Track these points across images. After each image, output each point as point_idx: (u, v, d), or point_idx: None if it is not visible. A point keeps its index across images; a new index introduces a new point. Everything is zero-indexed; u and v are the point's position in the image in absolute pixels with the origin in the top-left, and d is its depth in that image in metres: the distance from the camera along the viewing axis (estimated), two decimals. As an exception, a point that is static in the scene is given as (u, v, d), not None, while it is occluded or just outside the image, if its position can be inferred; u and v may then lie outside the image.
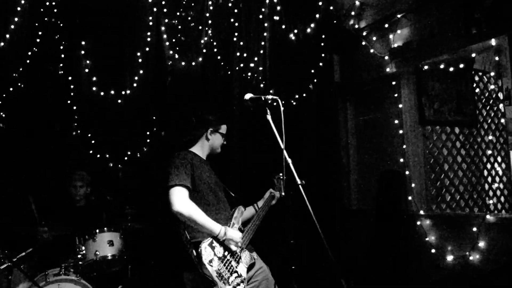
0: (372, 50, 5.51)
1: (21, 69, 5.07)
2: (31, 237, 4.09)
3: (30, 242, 4.03)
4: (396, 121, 5.28)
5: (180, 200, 3.01)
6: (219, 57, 5.83)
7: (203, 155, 3.45)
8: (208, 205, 3.18)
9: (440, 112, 5.41)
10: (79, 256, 3.97)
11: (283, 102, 5.63)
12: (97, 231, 4.09)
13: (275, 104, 2.85)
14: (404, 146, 5.18)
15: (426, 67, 5.16)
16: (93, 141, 5.23)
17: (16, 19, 4.94)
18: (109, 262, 4.10)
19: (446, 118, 5.46)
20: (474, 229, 4.41)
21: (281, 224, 2.74)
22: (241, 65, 5.89)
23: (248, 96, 2.89)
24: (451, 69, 5.28)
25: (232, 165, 5.61)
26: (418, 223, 4.90)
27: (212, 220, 3.05)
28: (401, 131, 5.21)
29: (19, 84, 5.05)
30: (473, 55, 4.98)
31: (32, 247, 3.93)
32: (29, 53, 5.09)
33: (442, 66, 5.24)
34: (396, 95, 5.31)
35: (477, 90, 5.74)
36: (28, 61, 5.10)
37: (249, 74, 5.92)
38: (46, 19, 5.18)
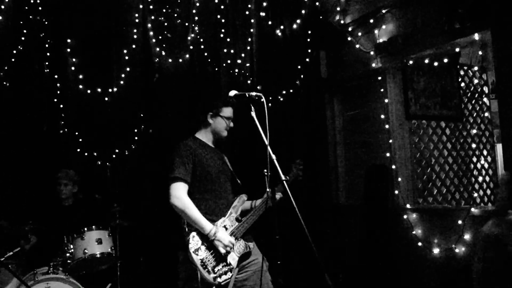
0: (357, 46, 5.55)
1: (6, 67, 5.03)
2: (18, 235, 4.09)
3: (18, 241, 4.03)
4: (383, 116, 5.32)
5: (176, 194, 3.12)
6: (206, 54, 5.83)
7: (208, 140, 3.46)
8: (206, 192, 3.25)
9: (426, 106, 5.45)
10: (67, 254, 3.98)
11: (270, 98, 5.75)
12: (85, 229, 4.09)
13: (260, 100, 2.86)
14: (391, 141, 5.22)
15: (411, 62, 5.20)
16: (80, 139, 5.21)
17: (0, 17, 4.90)
18: (98, 260, 4.11)
19: (432, 113, 5.49)
20: (460, 222, 4.47)
21: (267, 219, 2.77)
22: (228, 61, 5.90)
23: (232, 93, 2.91)
24: (436, 63, 5.32)
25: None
26: (405, 216, 4.96)
27: (204, 219, 3.09)
28: (387, 126, 5.25)
29: (4, 82, 5.02)
30: (457, 49, 5.03)
31: (20, 246, 3.92)
32: (14, 52, 5.05)
33: (427, 61, 5.28)
34: (382, 90, 5.35)
35: (463, 84, 5.79)
36: (13, 60, 5.06)
37: (236, 70, 5.93)
38: (31, 17, 5.15)
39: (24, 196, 4.61)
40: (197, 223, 3.07)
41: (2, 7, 4.96)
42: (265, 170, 2.63)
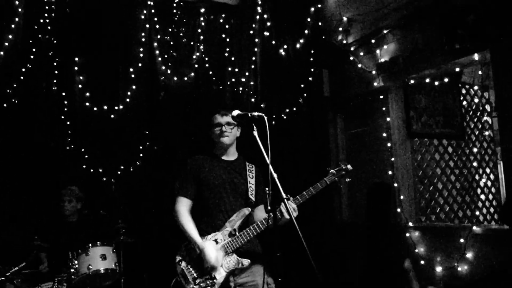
0: (360, 65, 5.63)
1: (15, 85, 5.13)
2: (24, 251, 4.14)
3: (23, 256, 4.07)
4: (385, 134, 5.37)
5: (175, 208, 3.30)
6: (211, 72, 5.92)
7: (220, 152, 3.48)
8: (206, 206, 3.32)
9: (427, 125, 5.51)
10: (72, 270, 4.00)
11: (273, 116, 5.80)
12: (90, 245, 4.13)
13: (262, 120, 2.90)
14: (393, 159, 5.26)
15: (412, 81, 5.27)
16: (86, 156, 5.28)
17: (10, 36, 5.02)
18: (102, 276, 4.14)
19: (433, 131, 5.55)
20: (462, 240, 4.48)
21: (268, 237, 2.80)
22: (233, 79, 5.99)
23: (235, 112, 2.97)
24: (437, 83, 5.39)
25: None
26: (408, 234, 4.97)
27: (195, 232, 3.21)
28: (389, 144, 5.30)
29: (13, 100, 5.11)
30: (458, 69, 5.10)
31: (25, 262, 3.97)
32: (23, 70, 5.16)
33: (428, 80, 5.35)
34: (384, 108, 5.41)
35: (464, 102, 5.85)
36: (22, 77, 5.16)
37: (241, 88, 6.01)
38: (40, 36, 5.26)
39: (30, 212, 4.68)
40: (188, 235, 3.21)
41: (12, 26, 5.09)
42: (267, 189, 2.67)
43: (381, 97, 5.43)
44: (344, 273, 5.52)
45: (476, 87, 5.77)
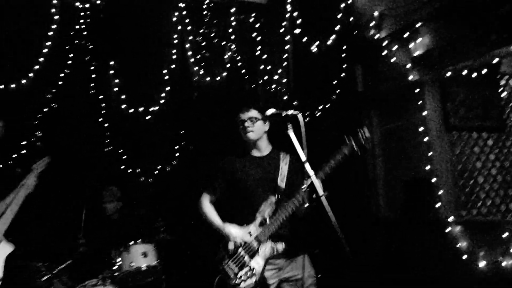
0: (393, 59, 5.54)
1: (54, 90, 5.31)
2: (70, 249, 4.29)
3: (69, 254, 4.22)
4: (421, 128, 5.27)
5: (199, 202, 3.44)
6: (243, 71, 5.96)
7: (251, 150, 3.45)
8: (236, 204, 3.35)
9: (466, 118, 5.38)
10: (115, 267, 4.13)
11: (306, 113, 5.79)
12: (131, 243, 4.24)
13: (297, 118, 2.91)
14: (430, 153, 5.16)
15: (449, 73, 5.16)
16: (124, 157, 5.41)
17: (48, 43, 5.19)
18: (143, 273, 4.24)
19: (472, 124, 5.42)
20: (505, 234, 4.37)
21: (306, 235, 2.81)
22: (265, 78, 6.01)
23: (270, 111, 2.98)
24: (474, 74, 5.26)
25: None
26: (448, 229, 4.88)
27: (217, 219, 3.32)
28: (426, 138, 5.20)
29: (53, 104, 5.28)
30: (495, 60, 4.95)
31: (71, 259, 4.12)
32: (61, 75, 5.33)
33: (465, 72, 5.23)
34: (420, 102, 5.31)
35: (504, 94, 5.69)
36: (60, 82, 5.33)
37: (273, 86, 6.03)
38: (76, 41, 5.43)
39: (73, 212, 4.83)
40: (210, 221, 3.32)
41: (50, 33, 5.26)
42: (303, 187, 2.68)
43: (417, 91, 5.33)
44: (380, 268, 5.45)
45: (515, 77, 5.60)
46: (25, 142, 5.22)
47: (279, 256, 3.21)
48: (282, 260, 3.21)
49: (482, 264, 4.55)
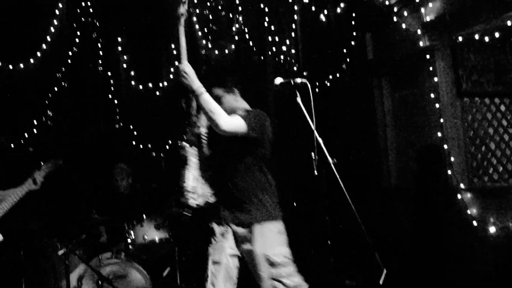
0: (404, 26, 5.43)
1: (63, 69, 5.33)
2: (84, 225, 4.38)
3: (83, 230, 4.31)
4: (433, 95, 5.20)
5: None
6: (251, 43, 5.90)
7: None
8: None
9: (478, 83, 5.30)
10: (128, 240, 4.21)
11: (316, 83, 5.75)
12: (144, 216, 4.31)
13: (306, 86, 2.89)
14: (442, 120, 5.10)
15: (460, 38, 5.05)
16: (135, 133, 5.45)
17: (55, 22, 5.18)
18: (156, 245, 4.32)
19: (485, 89, 5.34)
20: (516, 200, 4.35)
21: (315, 203, 2.83)
22: (274, 49, 5.95)
23: (278, 80, 2.96)
24: (487, 39, 5.15)
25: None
26: (459, 196, 4.86)
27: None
28: (437, 105, 5.13)
29: (63, 83, 5.31)
30: (509, 23, 4.83)
31: (85, 234, 4.21)
32: (70, 53, 5.33)
33: (477, 37, 5.12)
34: (431, 69, 5.22)
35: (517, 58, 5.57)
36: (69, 61, 5.35)
37: (282, 57, 5.97)
38: (83, 19, 5.41)
39: (87, 189, 4.91)
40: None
41: (57, 12, 5.25)
42: (313, 154, 2.67)
43: (428, 57, 5.23)
44: (392, 237, 5.48)
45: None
46: (36, 121, 5.27)
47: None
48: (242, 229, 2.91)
49: (492, 229, 4.55)
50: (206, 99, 2.71)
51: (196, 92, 2.71)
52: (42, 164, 3.98)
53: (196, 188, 2.86)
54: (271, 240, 2.81)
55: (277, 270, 2.75)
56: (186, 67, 2.71)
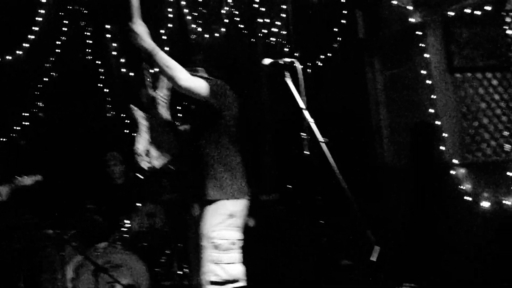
0: (394, 2, 5.38)
1: (52, 58, 5.27)
2: (79, 215, 4.38)
3: (78, 220, 4.31)
4: (424, 72, 5.18)
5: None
6: (241, 26, 5.84)
7: None
8: None
9: (470, 58, 5.27)
10: (124, 229, 4.21)
11: (308, 64, 5.71)
12: (139, 204, 4.31)
13: (294, 65, 2.85)
14: (434, 96, 5.09)
15: (452, 13, 5.01)
16: (127, 121, 5.42)
17: (42, 11, 5.10)
18: (152, 232, 4.32)
19: (477, 64, 5.31)
20: (509, 173, 4.35)
21: (307, 182, 2.82)
22: (264, 31, 5.90)
23: (266, 61, 2.91)
24: (479, 12, 5.10)
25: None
26: (453, 172, 4.88)
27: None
28: (429, 81, 5.12)
29: (52, 73, 5.26)
30: (500, -5, 4.79)
31: (81, 225, 4.20)
32: (58, 42, 5.27)
33: (469, 11, 5.07)
34: (422, 45, 5.19)
35: (509, 32, 5.53)
36: (58, 50, 5.28)
37: (273, 39, 5.93)
38: (70, 7, 5.33)
39: (80, 178, 4.90)
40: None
41: (43, 0, 5.16)
42: (303, 134, 2.65)
43: (419, 33, 5.20)
44: (386, 215, 5.50)
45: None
46: (27, 113, 5.23)
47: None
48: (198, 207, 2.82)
49: (485, 204, 4.57)
50: (162, 56, 2.53)
51: (150, 52, 2.51)
52: (19, 178, 3.90)
53: (149, 152, 2.75)
54: (220, 221, 2.65)
55: (219, 255, 2.60)
56: (139, 26, 2.52)
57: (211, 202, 2.67)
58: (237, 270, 2.64)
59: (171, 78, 2.57)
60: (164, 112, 2.84)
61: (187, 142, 2.83)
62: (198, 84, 2.63)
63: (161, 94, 2.84)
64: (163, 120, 2.83)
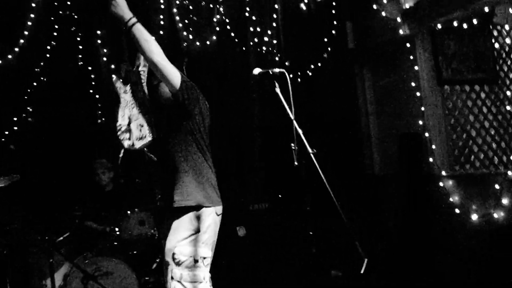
0: (384, 13, 5.45)
1: (42, 63, 5.24)
2: (67, 222, 4.34)
3: (66, 227, 4.27)
4: (413, 84, 5.24)
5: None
6: (233, 34, 5.87)
7: None
8: None
9: (458, 71, 5.34)
10: (112, 237, 4.18)
11: (298, 73, 5.74)
12: (128, 212, 4.29)
13: (283, 76, 2.87)
14: (423, 108, 5.15)
15: (439, 25, 5.08)
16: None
17: (31, 15, 5.08)
18: (142, 240, 4.30)
19: (465, 77, 5.38)
20: (497, 186, 4.40)
21: (297, 193, 2.83)
22: (256, 39, 5.93)
23: (256, 71, 2.92)
24: (466, 26, 5.18)
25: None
26: (441, 184, 4.92)
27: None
28: (418, 93, 5.18)
29: (42, 78, 5.22)
30: (486, 9, 4.87)
31: (69, 231, 4.17)
32: (48, 47, 5.24)
33: (456, 24, 5.15)
34: (411, 57, 5.26)
35: (497, 45, 5.61)
36: (48, 55, 5.25)
37: (264, 48, 5.96)
38: (60, 12, 5.31)
39: (69, 185, 4.86)
40: None
41: (33, 5, 5.14)
42: (292, 144, 2.65)
43: (408, 45, 5.26)
44: (377, 225, 5.53)
45: (507, 27, 5.51)
46: (16, 118, 5.19)
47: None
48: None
49: (474, 217, 4.61)
50: (140, 27, 2.46)
51: (128, 22, 2.45)
52: None
53: (130, 130, 2.62)
54: (184, 236, 2.47)
55: (182, 272, 2.44)
56: None
57: (177, 210, 2.51)
58: None
59: (146, 52, 2.47)
60: (144, 89, 2.71)
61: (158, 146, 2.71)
62: (171, 69, 2.52)
63: (141, 69, 2.73)
64: (143, 99, 2.68)
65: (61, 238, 4.11)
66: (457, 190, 4.82)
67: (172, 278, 2.44)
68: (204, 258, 2.49)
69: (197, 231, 2.49)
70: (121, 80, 2.74)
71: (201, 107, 2.71)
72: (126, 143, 2.64)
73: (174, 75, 2.53)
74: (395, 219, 5.33)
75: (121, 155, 2.61)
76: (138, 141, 2.61)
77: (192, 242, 2.47)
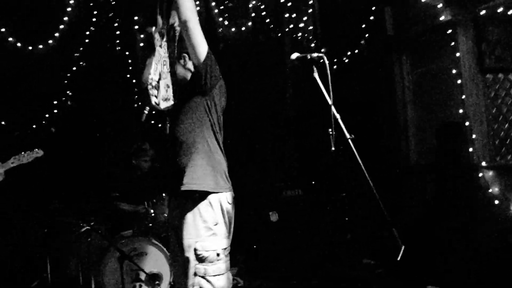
0: (424, -1, 5.30)
1: (81, 48, 5.35)
2: (104, 204, 4.45)
3: (104, 208, 4.39)
4: (454, 71, 5.08)
5: None
6: (268, 20, 5.84)
7: None
8: None
9: (501, 59, 5.15)
10: (149, 218, 4.26)
11: (335, 60, 5.66)
12: (164, 195, 4.36)
13: (322, 61, 2.82)
14: (463, 97, 5.00)
15: (483, 12, 4.90)
16: (153, 112, 5.45)
17: (71, 1, 5.18)
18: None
19: (508, 65, 5.20)
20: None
21: (332, 179, 2.80)
22: (291, 26, 5.88)
23: (294, 55, 2.90)
24: (510, 12, 4.98)
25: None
26: (481, 175, 4.78)
27: None
28: (459, 81, 5.02)
29: (81, 63, 5.34)
30: (534, -6, 4.67)
31: (107, 212, 4.28)
32: (87, 33, 5.34)
33: (501, 10, 4.95)
34: (453, 44, 5.09)
35: (544, 32, 5.39)
36: (87, 41, 5.36)
37: (300, 34, 5.90)
38: (98, -2, 5.41)
39: (108, 169, 4.97)
40: None
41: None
42: (330, 130, 2.62)
43: (449, 31, 5.10)
44: (412, 215, 5.43)
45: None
46: (56, 102, 5.33)
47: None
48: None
49: (514, 208, 4.48)
50: None
51: None
52: (14, 157, 3.57)
53: (159, 87, 2.54)
54: (203, 230, 2.43)
55: (205, 267, 2.42)
56: None
57: (184, 194, 2.45)
58: (224, 281, 2.47)
59: (184, 15, 2.43)
60: (175, 50, 2.61)
61: (170, 127, 2.66)
62: (201, 38, 2.48)
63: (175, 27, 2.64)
64: (173, 59, 2.59)
65: (99, 218, 4.21)
66: (497, 181, 4.69)
67: (195, 274, 2.41)
68: (225, 249, 2.49)
69: (214, 223, 2.46)
70: (158, 33, 2.66)
71: (221, 85, 2.67)
72: (154, 100, 2.58)
73: (202, 44, 2.50)
74: (431, 210, 5.23)
75: (146, 111, 2.49)
76: (163, 101, 2.57)
77: (212, 236, 2.44)
